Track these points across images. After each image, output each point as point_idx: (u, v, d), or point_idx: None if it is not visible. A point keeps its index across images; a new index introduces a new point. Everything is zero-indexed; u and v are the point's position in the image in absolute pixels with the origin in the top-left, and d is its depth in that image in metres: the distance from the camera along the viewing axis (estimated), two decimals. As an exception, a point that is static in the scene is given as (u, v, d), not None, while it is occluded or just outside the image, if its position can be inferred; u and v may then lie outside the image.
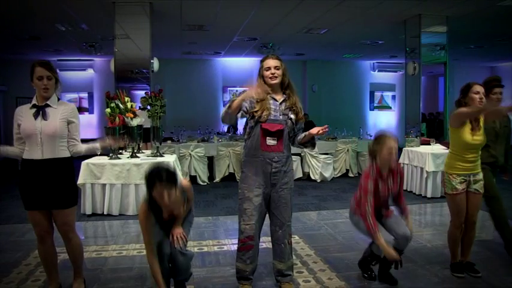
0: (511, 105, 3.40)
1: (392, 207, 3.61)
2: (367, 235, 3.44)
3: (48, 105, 3.12)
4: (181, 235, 3.08)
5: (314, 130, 3.29)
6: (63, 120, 3.13)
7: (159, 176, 2.81)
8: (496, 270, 3.83)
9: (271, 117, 3.28)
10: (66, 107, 3.21)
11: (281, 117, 3.31)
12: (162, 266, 3.14)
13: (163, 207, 2.96)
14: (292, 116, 3.35)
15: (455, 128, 3.57)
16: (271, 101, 3.32)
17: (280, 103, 3.34)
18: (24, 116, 3.10)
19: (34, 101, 3.13)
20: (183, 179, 3.12)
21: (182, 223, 3.16)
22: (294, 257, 3.70)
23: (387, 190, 3.45)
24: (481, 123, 3.59)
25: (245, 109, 3.29)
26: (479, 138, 3.54)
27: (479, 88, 3.54)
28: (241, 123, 3.50)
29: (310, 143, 3.47)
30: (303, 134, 3.42)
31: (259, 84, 3.25)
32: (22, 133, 3.08)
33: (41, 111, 3.09)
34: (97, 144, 3.39)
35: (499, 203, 3.98)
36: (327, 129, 3.28)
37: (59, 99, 3.22)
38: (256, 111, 3.26)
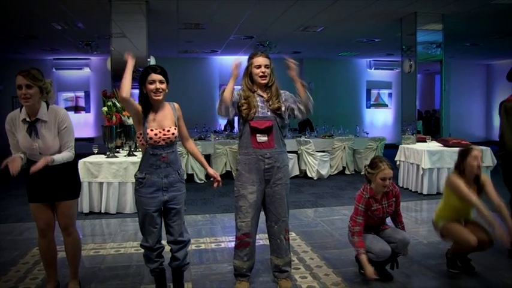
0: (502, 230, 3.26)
1: (388, 224, 3.69)
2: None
3: (38, 120, 3.04)
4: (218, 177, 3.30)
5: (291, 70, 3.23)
6: (56, 135, 3.10)
7: (153, 68, 3.07)
8: (491, 265, 3.87)
9: (259, 114, 3.30)
10: (57, 117, 3.11)
11: (269, 113, 3.33)
12: (154, 263, 3.17)
13: (154, 103, 3.05)
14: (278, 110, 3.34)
15: (450, 191, 3.60)
16: (258, 98, 3.34)
17: (267, 99, 3.35)
18: (17, 129, 3.06)
19: (24, 115, 3.05)
20: (175, 103, 3.23)
21: (180, 210, 3.16)
22: (291, 254, 3.72)
23: (382, 212, 3.51)
24: (481, 183, 3.56)
25: (235, 103, 3.33)
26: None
27: (477, 153, 3.49)
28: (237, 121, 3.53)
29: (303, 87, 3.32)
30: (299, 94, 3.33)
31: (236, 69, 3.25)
32: (20, 146, 3.07)
33: (32, 128, 3.03)
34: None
35: None
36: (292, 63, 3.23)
37: (48, 106, 3.12)
38: (243, 110, 3.30)
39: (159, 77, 3.02)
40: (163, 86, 3.04)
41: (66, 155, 3.12)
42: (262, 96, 3.35)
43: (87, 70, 13.61)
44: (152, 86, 3.01)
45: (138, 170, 3.12)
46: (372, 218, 3.51)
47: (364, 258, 3.36)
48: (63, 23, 8.50)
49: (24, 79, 2.95)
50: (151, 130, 3.03)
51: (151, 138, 3.02)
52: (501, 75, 15.75)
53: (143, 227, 3.13)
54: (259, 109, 3.31)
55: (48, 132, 3.07)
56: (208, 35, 9.99)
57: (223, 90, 3.26)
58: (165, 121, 3.09)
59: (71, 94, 13.46)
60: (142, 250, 3.20)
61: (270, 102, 3.33)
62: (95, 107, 13.54)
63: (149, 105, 3.07)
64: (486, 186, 3.52)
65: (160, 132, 3.04)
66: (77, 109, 13.51)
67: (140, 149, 3.78)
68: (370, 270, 3.31)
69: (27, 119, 3.04)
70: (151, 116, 3.07)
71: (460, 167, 3.56)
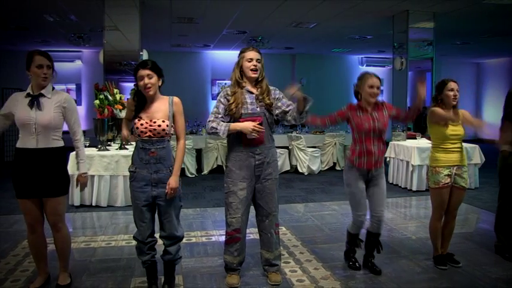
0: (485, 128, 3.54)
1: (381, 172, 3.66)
2: (351, 189, 3.59)
3: (42, 95, 3.13)
4: (173, 191, 3.06)
5: (292, 90, 3.19)
6: (57, 111, 3.15)
7: (143, 63, 3.08)
8: (476, 260, 3.95)
9: (249, 111, 3.31)
10: (60, 96, 3.22)
11: (258, 109, 3.34)
12: (145, 255, 3.19)
13: (147, 97, 3.07)
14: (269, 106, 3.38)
15: (433, 124, 3.71)
16: (247, 94, 3.35)
17: (257, 96, 3.37)
18: (19, 104, 3.11)
19: (29, 90, 3.13)
20: (175, 97, 3.18)
21: (169, 207, 3.14)
22: (281, 248, 3.76)
23: (371, 120, 3.48)
24: (460, 117, 3.70)
25: (223, 111, 3.33)
26: (458, 129, 3.65)
27: (453, 85, 3.65)
28: None
29: (302, 103, 3.27)
30: (294, 105, 3.32)
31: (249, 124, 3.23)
32: (17, 122, 3.09)
33: (35, 101, 3.10)
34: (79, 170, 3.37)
35: None
36: (298, 88, 3.21)
37: (53, 88, 3.23)
38: (231, 107, 3.28)
39: (146, 71, 3.01)
40: (153, 80, 3.02)
41: (82, 147, 3.34)
42: (251, 92, 3.36)
43: (78, 63, 13.51)
44: (141, 83, 3.02)
45: (131, 163, 3.14)
46: (360, 125, 3.50)
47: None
48: (56, 15, 8.43)
49: (46, 59, 3.15)
50: (139, 120, 3.05)
51: (137, 128, 3.04)
52: (491, 73, 15.97)
53: (135, 220, 3.15)
54: (249, 105, 3.31)
55: (49, 106, 3.13)
56: (201, 29, 9.98)
57: (228, 128, 3.24)
58: (156, 113, 3.08)
59: (62, 86, 13.33)
60: (135, 242, 3.23)
61: (261, 98, 3.35)
62: (86, 100, 13.45)
63: (144, 99, 3.10)
64: (464, 115, 3.71)
65: (147, 123, 3.04)
66: (68, 102, 13.38)
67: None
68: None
69: (31, 93, 3.12)
70: (144, 109, 3.09)
71: (438, 99, 3.72)
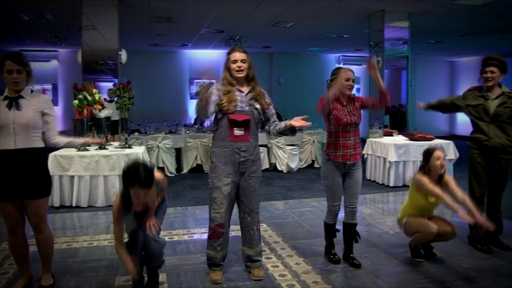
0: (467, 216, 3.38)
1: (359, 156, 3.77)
2: (327, 179, 3.72)
3: (21, 97, 3.12)
4: (154, 223, 3.14)
5: (295, 123, 3.41)
6: (37, 111, 3.14)
7: (138, 178, 2.85)
8: (451, 251, 4.09)
9: (238, 109, 3.37)
10: (40, 98, 3.22)
11: (247, 107, 3.41)
12: (136, 254, 3.19)
13: (138, 204, 3.02)
14: (258, 106, 3.47)
15: (415, 190, 3.80)
16: (237, 93, 3.42)
17: (246, 94, 3.45)
18: None
19: (6, 93, 3.12)
20: (156, 172, 3.10)
21: (156, 212, 3.20)
22: (262, 244, 3.82)
23: (348, 115, 3.67)
24: (444, 182, 3.74)
25: (215, 100, 3.37)
26: (433, 200, 3.71)
27: (440, 154, 3.68)
28: None
29: (289, 131, 3.53)
30: (282, 124, 3.49)
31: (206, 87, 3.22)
32: None
33: (14, 102, 3.08)
34: (79, 140, 3.53)
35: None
36: (309, 123, 3.43)
37: (32, 91, 3.21)
38: (223, 103, 3.35)
39: (144, 189, 2.88)
40: (149, 192, 2.94)
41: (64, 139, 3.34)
42: (241, 91, 3.43)
43: (54, 62, 13.31)
44: (138, 200, 2.95)
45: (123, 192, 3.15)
46: (339, 118, 3.64)
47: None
48: (31, 14, 8.31)
49: (15, 64, 3.06)
50: (134, 209, 3.07)
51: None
52: (464, 71, 16.34)
53: (126, 229, 3.16)
54: (238, 103, 3.38)
55: (28, 107, 3.11)
56: (179, 28, 9.97)
57: (201, 97, 3.24)
58: (148, 198, 3.03)
59: (38, 87, 13.10)
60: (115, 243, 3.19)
61: (258, 99, 3.45)
62: (63, 100, 13.29)
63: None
64: (449, 184, 3.69)
65: (143, 208, 3.08)
66: (44, 102, 13.18)
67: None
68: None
69: (9, 95, 3.10)
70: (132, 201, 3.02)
71: (425, 168, 3.74)
